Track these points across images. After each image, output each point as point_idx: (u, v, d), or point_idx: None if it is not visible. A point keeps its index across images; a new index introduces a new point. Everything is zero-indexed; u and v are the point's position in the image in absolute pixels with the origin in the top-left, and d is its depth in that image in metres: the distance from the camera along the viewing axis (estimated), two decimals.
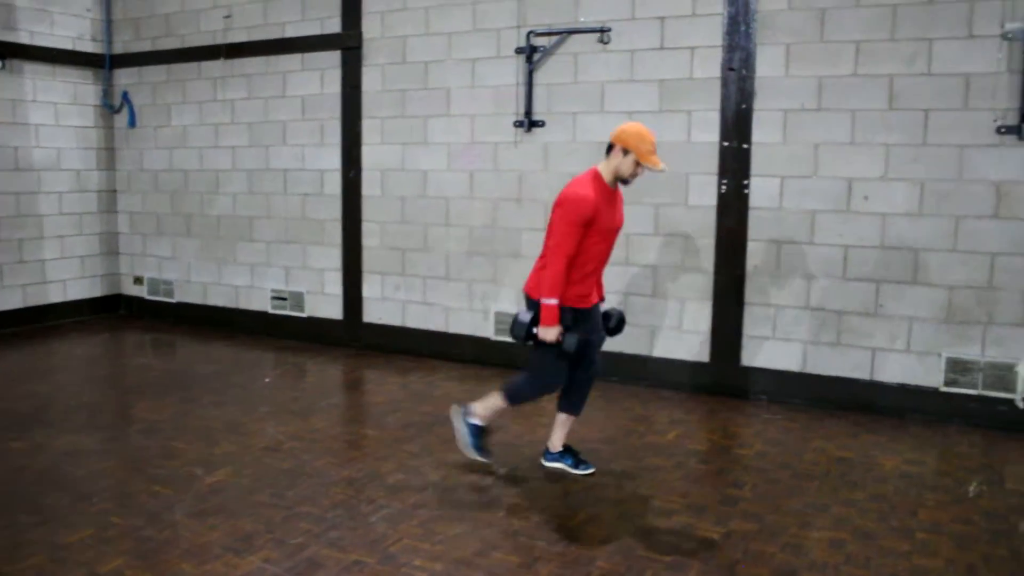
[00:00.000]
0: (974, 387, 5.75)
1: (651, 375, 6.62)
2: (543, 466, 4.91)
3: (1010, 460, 5.18)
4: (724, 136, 6.21)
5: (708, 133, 6.26)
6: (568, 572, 3.69)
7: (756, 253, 6.20)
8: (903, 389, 5.91)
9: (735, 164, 6.18)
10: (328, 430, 5.61)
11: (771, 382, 6.26)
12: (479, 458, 4.85)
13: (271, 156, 8.26)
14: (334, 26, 7.74)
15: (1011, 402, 5.67)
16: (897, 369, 5.94)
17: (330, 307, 8.09)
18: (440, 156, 7.33)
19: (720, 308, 6.33)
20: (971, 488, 4.71)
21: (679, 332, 6.50)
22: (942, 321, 5.77)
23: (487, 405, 4.78)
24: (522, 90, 6.89)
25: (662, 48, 6.37)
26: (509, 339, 7.04)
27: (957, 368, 5.78)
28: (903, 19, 5.72)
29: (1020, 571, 3.77)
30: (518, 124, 6.93)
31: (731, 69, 6.16)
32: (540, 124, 6.85)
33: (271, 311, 8.45)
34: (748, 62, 6.10)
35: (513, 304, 7.08)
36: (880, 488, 4.67)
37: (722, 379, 6.39)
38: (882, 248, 5.88)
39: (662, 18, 6.36)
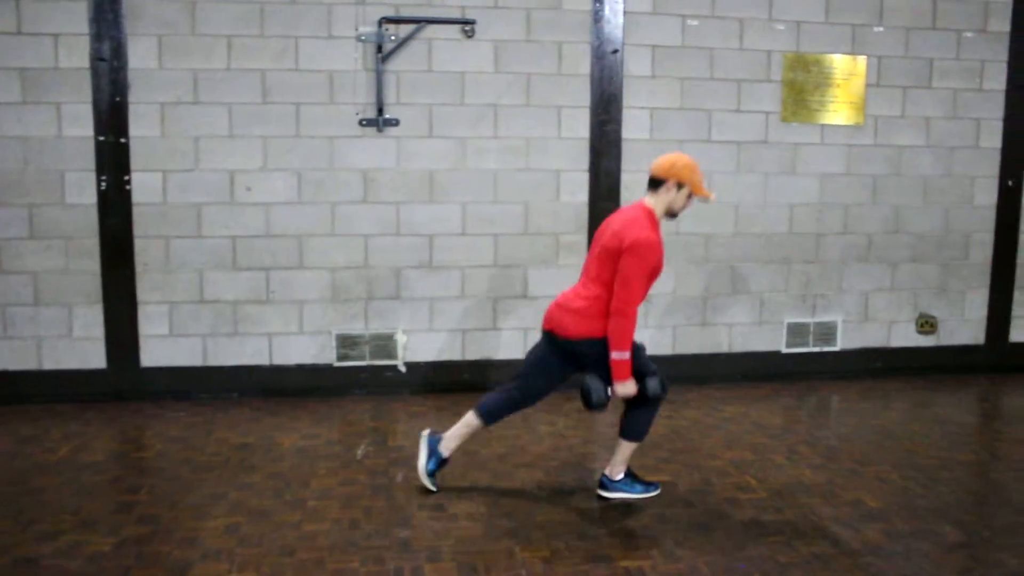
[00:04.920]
0: (363, 359, 6.28)
1: (44, 391, 6.06)
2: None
3: (394, 419, 5.77)
4: (99, 130, 5.89)
5: (82, 127, 5.89)
6: None
7: (145, 250, 6.02)
8: (301, 369, 6.23)
9: (114, 159, 5.91)
10: None
11: (172, 379, 6.14)
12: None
13: None
14: None
15: (395, 367, 6.32)
16: (294, 351, 6.24)
17: None
18: None
19: (113, 310, 6.04)
20: (359, 451, 5.14)
21: (70, 340, 6.05)
22: (329, 301, 6.19)
23: (623, 457, 4.48)
24: None
25: (19, 33, 5.83)
26: None
27: (347, 343, 6.25)
28: (271, 17, 5.97)
29: (395, 517, 4.21)
30: None
31: (101, 59, 5.87)
32: None
33: None
34: (120, 52, 5.86)
35: None
36: (277, 467, 4.87)
37: (123, 384, 6.11)
38: (268, 236, 6.10)
39: None
